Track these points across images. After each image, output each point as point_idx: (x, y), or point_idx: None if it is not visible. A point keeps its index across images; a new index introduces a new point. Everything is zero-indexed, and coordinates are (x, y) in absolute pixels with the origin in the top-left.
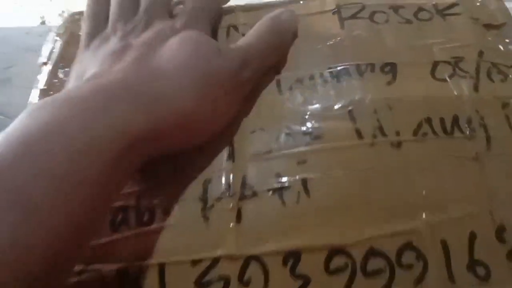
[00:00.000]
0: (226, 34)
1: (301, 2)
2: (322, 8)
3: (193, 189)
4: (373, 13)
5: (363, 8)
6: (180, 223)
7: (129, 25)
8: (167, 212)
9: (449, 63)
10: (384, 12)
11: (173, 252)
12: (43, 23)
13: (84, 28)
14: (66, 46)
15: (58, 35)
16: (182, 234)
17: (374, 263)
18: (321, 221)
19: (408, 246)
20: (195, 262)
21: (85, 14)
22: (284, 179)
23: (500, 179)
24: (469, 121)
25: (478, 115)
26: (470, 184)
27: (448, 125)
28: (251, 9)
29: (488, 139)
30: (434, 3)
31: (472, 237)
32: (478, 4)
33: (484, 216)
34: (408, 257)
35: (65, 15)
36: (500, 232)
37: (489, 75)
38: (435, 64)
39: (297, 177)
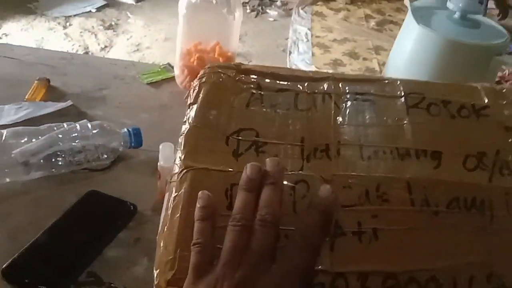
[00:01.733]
0: (322, 100)
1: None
2: (393, 93)
3: None
4: (430, 104)
5: (423, 99)
6: None
7: (238, 274)
8: (286, 236)
9: (475, 156)
10: (437, 105)
11: None
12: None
13: (193, 260)
14: (209, 92)
15: (199, 81)
16: None
17: (411, 285)
18: (382, 256)
19: (433, 279)
20: None
21: (195, 242)
22: (363, 227)
23: (496, 243)
24: (482, 203)
25: (488, 199)
26: (476, 244)
27: (468, 204)
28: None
29: (492, 217)
30: (472, 103)
31: (471, 278)
32: (505, 110)
33: (482, 266)
34: (431, 286)
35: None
36: (489, 277)
37: (500, 170)
38: (467, 156)
39: (371, 227)
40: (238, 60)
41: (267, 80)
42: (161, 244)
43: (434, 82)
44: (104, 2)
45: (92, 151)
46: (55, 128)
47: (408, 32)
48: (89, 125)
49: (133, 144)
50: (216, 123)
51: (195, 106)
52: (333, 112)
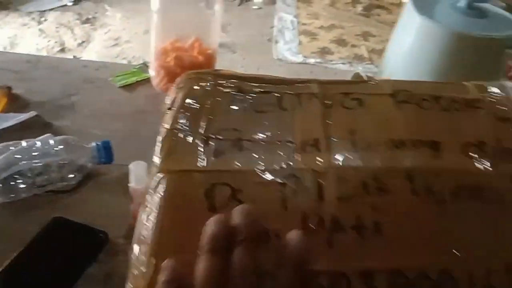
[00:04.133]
0: (308, 99)
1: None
2: (380, 91)
3: None
4: (420, 100)
5: (412, 96)
6: None
7: None
8: (277, 236)
9: (475, 145)
10: (428, 100)
11: None
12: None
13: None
14: (186, 96)
15: (177, 87)
16: None
17: (422, 283)
18: (386, 252)
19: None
20: None
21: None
22: (363, 220)
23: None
24: (489, 190)
25: (496, 186)
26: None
27: (476, 191)
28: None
29: (503, 203)
30: (463, 97)
31: (489, 271)
32: (497, 104)
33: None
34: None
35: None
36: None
37: (503, 157)
38: (466, 145)
39: (371, 220)
40: (222, 51)
41: (248, 84)
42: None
43: (422, 81)
44: None
45: (56, 171)
46: (12, 148)
47: (408, 24)
48: (52, 141)
49: (103, 160)
50: (194, 125)
51: (171, 111)
52: (320, 110)
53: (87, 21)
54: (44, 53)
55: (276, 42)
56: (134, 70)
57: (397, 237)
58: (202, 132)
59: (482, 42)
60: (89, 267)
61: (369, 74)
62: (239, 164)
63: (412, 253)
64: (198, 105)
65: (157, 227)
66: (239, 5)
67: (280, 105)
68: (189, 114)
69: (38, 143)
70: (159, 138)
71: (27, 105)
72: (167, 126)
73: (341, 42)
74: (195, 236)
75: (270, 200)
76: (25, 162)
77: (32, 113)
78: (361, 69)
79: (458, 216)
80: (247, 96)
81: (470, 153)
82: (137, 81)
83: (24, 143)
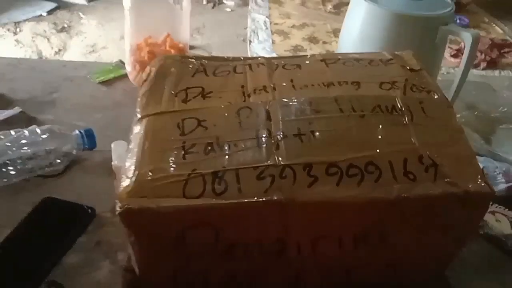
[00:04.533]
0: (257, 66)
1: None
2: (315, 59)
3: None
4: (344, 62)
5: (338, 59)
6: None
7: None
8: (236, 145)
9: (389, 82)
10: (350, 61)
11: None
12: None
13: None
14: (157, 70)
15: (150, 65)
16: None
17: (353, 171)
18: (322, 150)
19: (371, 163)
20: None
21: None
22: (302, 131)
23: (420, 134)
24: (401, 108)
25: (406, 105)
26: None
27: (390, 109)
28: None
29: (411, 116)
30: (380, 58)
31: (405, 160)
32: (407, 61)
33: (412, 151)
34: (371, 168)
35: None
36: (420, 159)
37: (411, 88)
38: (381, 83)
39: (309, 130)
40: (197, 52)
41: (209, 61)
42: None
43: (348, 52)
44: (55, 5)
45: (43, 157)
46: (2, 137)
47: (355, 10)
48: (38, 130)
49: (86, 146)
50: (165, 86)
51: (146, 81)
52: (266, 71)
53: (62, 29)
54: None
55: (250, 42)
56: (111, 67)
57: (329, 140)
58: (172, 89)
59: (421, 21)
60: (80, 238)
61: None
62: (203, 106)
63: (342, 151)
64: (167, 75)
65: (139, 148)
66: (212, 7)
67: (234, 70)
68: (160, 80)
69: (26, 133)
70: (138, 98)
71: (11, 103)
72: (144, 89)
73: (313, 39)
74: (169, 153)
75: (229, 123)
76: (14, 149)
77: (17, 109)
78: None
79: (377, 125)
80: (207, 67)
81: (385, 87)
82: (114, 77)
83: (13, 133)
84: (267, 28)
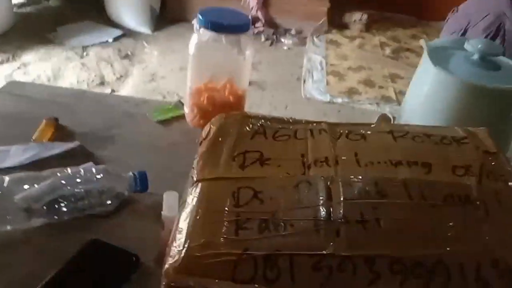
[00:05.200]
0: (318, 132)
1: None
2: (380, 129)
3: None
4: (414, 137)
5: (407, 133)
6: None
7: None
8: (291, 225)
9: (463, 167)
10: (420, 137)
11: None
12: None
13: None
14: (218, 129)
15: (211, 123)
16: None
17: (419, 271)
18: (387, 242)
19: (439, 262)
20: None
21: None
22: (366, 216)
23: (495, 233)
24: (476, 199)
25: (481, 197)
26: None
27: (463, 199)
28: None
29: (487, 211)
30: (452, 135)
31: (478, 264)
32: (482, 141)
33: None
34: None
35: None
36: (495, 263)
37: (487, 176)
38: (455, 167)
39: (373, 217)
40: (252, 88)
41: (269, 122)
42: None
43: (417, 124)
44: (121, 32)
45: (95, 197)
46: (58, 174)
47: (424, 74)
48: (94, 170)
49: (138, 188)
50: (223, 149)
51: (206, 140)
52: (329, 139)
53: (126, 57)
54: (84, 86)
55: (305, 81)
56: (170, 107)
57: (395, 231)
58: (230, 151)
59: (495, 93)
60: (122, 286)
61: (396, 116)
62: (260, 174)
63: (409, 245)
64: (227, 135)
65: (192, 217)
66: (270, 45)
67: (295, 135)
68: (219, 141)
69: (81, 171)
70: (196, 157)
71: (71, 135)
72: (202, 149)
73: (369, 82)
74: (221, 227)
75: (287, 198)
76: (69, 187)
77: (76, 143)
78: (388, 109)
79: (449, 218)
80: (267, 129)
81: (458, 172)
82: (172, 117)
83: (69, 170)
84: (322, 69)
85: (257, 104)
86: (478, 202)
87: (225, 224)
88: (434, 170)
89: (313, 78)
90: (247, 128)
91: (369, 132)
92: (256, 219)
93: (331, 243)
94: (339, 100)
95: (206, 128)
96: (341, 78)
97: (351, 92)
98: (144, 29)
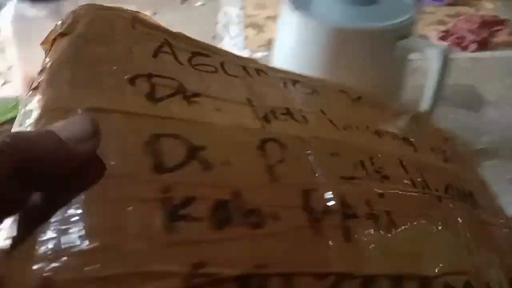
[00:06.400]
0: (257, 73)
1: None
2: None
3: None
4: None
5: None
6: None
7: None
8: (275, 217)
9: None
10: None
11: (293, 263)
12: None
13: None
14: (89, 25)
15: (73, 13)
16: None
17: None
18: (410, 251)
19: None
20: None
21: None
22: (375, 208)
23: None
24: (469, 193)
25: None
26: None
27: (461, 192)
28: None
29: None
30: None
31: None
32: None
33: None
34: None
35: None
36: None
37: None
38: (432, 150)
39: (383, 209)
40: None
41: (177, 41)
42: None
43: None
44: None
45: None
46: None
47: (285, 21)
48: None
49: None
50: (102, 60)
51: (65, 38)
52: (278, 86)
53: None
54: None
55: (222, 39)
56: (11, 106)
57: (414, 233)
58: (120, 69)
59: (368, 36)
60: None
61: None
62: (191, 116)
63: (435, 258)
64: (108, 39)
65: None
66: (181, 3)
67: (224, 70)
68: (95, 46)
69: None
70: (44, 66)
71: None
72: (56, 57)
73: None
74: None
75: (251, 166)
76: None
77: None
78: None
79: (458, 218)
80: (176, 49)
81: (438, 156)
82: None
83: None
84: (240, 22)
85: None
86: (472, 195)
87: (141, 208)
88: (419, 149)
89: (230, 34)
90: (143, 39)
91: (319, 88)
92: (205, 200)
93: (342, 256)
94: (259, 54)
95: (66, 20)
96: (260, 30)
97: (270, 44)
98: None
